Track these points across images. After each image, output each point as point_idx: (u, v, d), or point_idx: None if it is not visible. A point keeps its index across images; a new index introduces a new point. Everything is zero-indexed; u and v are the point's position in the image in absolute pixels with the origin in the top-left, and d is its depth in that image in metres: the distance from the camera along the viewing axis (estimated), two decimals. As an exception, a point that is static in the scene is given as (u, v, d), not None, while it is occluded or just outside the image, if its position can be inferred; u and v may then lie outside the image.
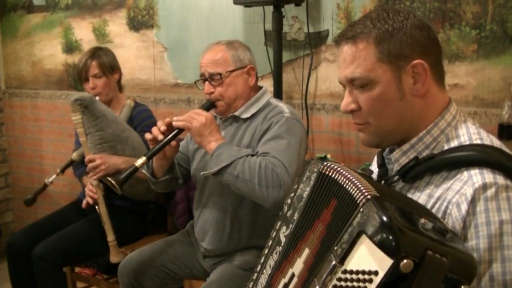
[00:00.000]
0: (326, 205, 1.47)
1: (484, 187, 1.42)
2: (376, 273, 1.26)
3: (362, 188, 1.35)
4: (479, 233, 1.41)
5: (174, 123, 2.68)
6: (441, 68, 1.63)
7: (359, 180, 1.39)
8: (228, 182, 2.60)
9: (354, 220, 1.32)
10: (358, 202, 1.33)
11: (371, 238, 1.25)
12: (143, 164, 2.65)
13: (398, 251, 1.21)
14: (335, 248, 1.35)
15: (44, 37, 4.98)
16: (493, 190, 1.42)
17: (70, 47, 4.83)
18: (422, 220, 1.32)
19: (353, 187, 1.37)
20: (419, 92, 1.57)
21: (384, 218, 1.24)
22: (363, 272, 1.28)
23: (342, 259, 1.33)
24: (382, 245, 1.23)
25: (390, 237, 1.22)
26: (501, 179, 1.44)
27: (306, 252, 1.50)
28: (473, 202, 1.42)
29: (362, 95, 1.62)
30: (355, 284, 1.30)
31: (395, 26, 1.56)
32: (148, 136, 2.70)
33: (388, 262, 1.22)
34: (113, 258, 3.38)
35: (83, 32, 4.73)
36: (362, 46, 1.59)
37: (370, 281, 1.27)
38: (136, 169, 2.65)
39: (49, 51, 4.98)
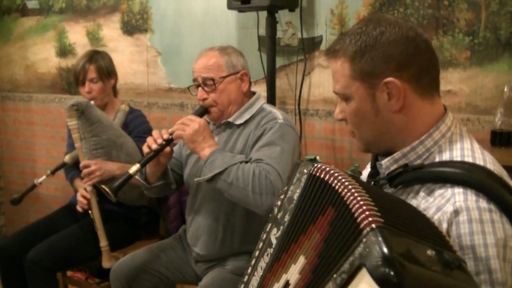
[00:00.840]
0: (322, 212, 1.42)
1: (467, 209, 1.41)
2: None
3: (364, 207, 1.28)
4: (463, 256, 1.39)
5: (168, 135, 2.68)
6: (429, 78, 1.60)
7: (356, 189, 1.34)
8: (222, 189, 2.59)
9: (356, 249, 1.26)
10: (361, 227, 1.26)
11: (371, 274, 1.19)
12: (137, 171, 2.65)
13: None
14: (335, 276, 1.31)
15: (37, 40, 4.98)
16: (476, 213, 1.41)
17: (64, 51, 4.83)
18: (429, 252, 1.26)
19: (353, 201, 1.31)
20: (394, 108, 1.57)
21: (387, 252, 1.18)
22: None
23: None
24: (382, 284, 1.17)
25: (392, 274, 1.16)
26: (483, 203, 1.42)
27: (301, 260, 1.47)
28: (453, 222, 1.42)
29: (346, 107, 1.66)
30: None
31: (368, 42, 1.55)
32: (145, 149, 2.70)
33: None
34: (106, 264, 3.37)
35: (77, 36, 4.72)
36: (339, 62, 1.62)
37: None
38: (130, 176, 2.65)
39: (42, 55, 4.97)
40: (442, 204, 1.46)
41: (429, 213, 1.47)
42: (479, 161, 1.54)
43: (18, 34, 5.10)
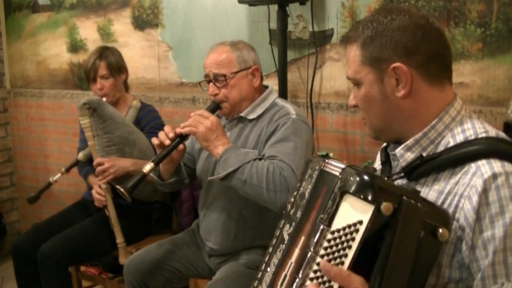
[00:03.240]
0: (319, 195, 1.54)
1: (494, 176, 1.43)
2: (360, 222, 1.37)
3: (340, 164, 1.51)
4: (494, 223, 1.42)
5: (181, 130, 2.68)
6: (438, 65, 1.62)
7: (346, 163, 1.51)
8: (236, 186, 2.59)
9: (335, 188, 1.46)
10: (337, 174, 1.49)
11: (351, 192, 1.40)
12: (151, 170, 2.64)
13: (377, 196, 1.36)
14: (321, 216, 1.46)
15: (48, 36, 4.99)
16: (503, 178, 1.43)
17: (75, 47, 4.84)
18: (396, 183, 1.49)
19: (336, 169, 1.52)
20: (402, 93, 1.60)
21: (361, 173, 1.41)
22: (349, 226, 1.39)
23: (329, 223, 1.44)
24: (361, 193, 1.37)
25: (369, 184, 1.38)
26: (510, 167, 1.45)
27: (302, 239, 1.55)
28: (484, 192, 1.43)
29: (357, 93, 1.70)
30: (343, 238, 1.40)
31: (378, 29, 1.60)
32: (155, 141, 2.70)
33: (369, 208, 1.36)
34: (122, 260, 3.38)
35: (88, 31, 4.73)
36: (353, 48, 1.67)
37: (357, 231, 1.38)
38: (145, 175, 2.65)
39: (53, 51, 4.99)
40: (468, 180, 1.48)
41: (456, 192, 1.50)
42: (492, 134, 1.57)
43: (29, 30, 5.11)
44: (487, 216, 1.42)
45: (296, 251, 1.55)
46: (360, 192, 1.38)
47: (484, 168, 1.45)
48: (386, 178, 1.60)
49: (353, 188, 1.40)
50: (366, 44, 1.62)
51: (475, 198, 1.44)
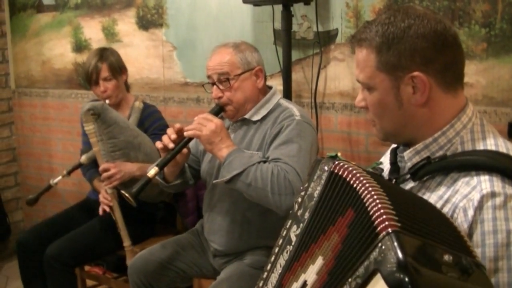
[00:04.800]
0: (342, 214, 1.41)
1: (493, 194, 1.41)
2: None
3: (382, 211, 1.27)
4: (485, 241, 1.40)
5: (185, 133, 2.68)
6: (454, 72, 1.60)
7: (376, 190, 1.32)
8: (241, 189, 2.59)
9: (371, 254, 1.25)
10: (377, 231, 1.25)
11: (385, 279, 1.18)
12: (155, 174, 2.64)
13: None
14: (350, 280, 1.30)
15: (53, 36, 5.00)
16: (501, 198, 1.41)
17: (80, 46, 4.84)
18: (446, 257, 1.24)
19: (372, 203, 1.30)
20: (418, 102, 1.57)
21: (401, 258, 1.17)
22: None
23: None
24: None
25: (406, 280, 1.14)
26: (510, 189, 1.43)
27: (319, 261, 1.46)
28: (480, 208, 1.41)
29: (368, 96, 1.66)
30: None
31: (396, 34, 1.54)
32: (158, 145, 2.70)
33: None
34: (129, 263, 3.38)
35: (93, 31, 4.74)
36: (365, 52, 1.62)
37: None
38: (149, 180, 2.64)
39: (58, 51, 4.99)
40: (467, 192, 1.46)
41: (454, 201, 1.48)
42: (502, 149, 1.54)
43: (34, 30, 5.12)
44: (479, 233, 1.41)
45: (313, 274, 1.45)
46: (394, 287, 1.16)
47: (485, 184, 1.44)
48: (394, 181, 1.58)
49: (388, 275, 1.17)
50: (382, 50, 1.57)
51: (470, 212, 1.43)
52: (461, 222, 1.44)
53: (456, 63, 1.60)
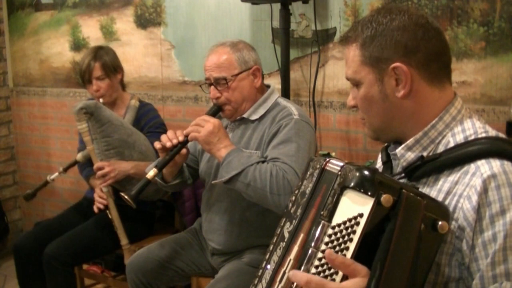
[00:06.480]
0: (319, 193, 1.55)
1: (494, 176, 1.43)
2: (361, 215, 1.39)
3: (339, 162, 1.52)
4: (494, 223, 1.42)
5: (184, 134, 2.69)
6: (439, 65, 1.62)
7: (346, 161, 1.52)
8: (240, 190, 2.59)
9: (334, 184, 1.47)
10: (336, 172, 1.50)
11: (351, 186, 1.41)
12: (154, 176, 2.66)
13: (377, 188, 1.38)
14: (321, 212, 1.46)
15: (51, 35, 4.99)
16: (503, 177, 1.43)
17: (78, 45, 4.84)
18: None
19: (335, 167, 1.53)
20: (401, 93, 1.60)
21: (360, 168, 1.43)
22: (350, 220, 1.41)
23: (330, 218, 1.44)
24: (361, 187, 1.39)
25: (368, 178, 1.39)
26: (509, 165, 1.45)
27: (301, 236, 1.55)
28: (484, 192, 1.43)
29: (356, 93, 1.71)
30: (344, 232, 1.41)
31: (378, 29, 1.60)
32: (157, 145, 2.71)
33: (369, 201, 1.38)
34: (128, 261, 3.38)
35: (91, 30, 4.73)
36: (352, 48, 1.67)
37: (357, 224, 1.39)
38: (148, 181, 2.66)
39: (56, 49, 4.99)
40: (468, 179, 1.48)
41: (455, 192, 1.50)
42: (491, 134, 1.58)
43: (32, 28, 5.12)
44: (488, 216, 1.42)
45: (295, 248, 1.55)
46: (360, 186, 1.40)
47: (484, 168, 1.46)
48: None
49: (353, 182, 1.41)
50: (366, 44, 1.62)
51: (474, 198, 1.44)
52: (467, 209, 1.45)
53: (439, 56, 1.62)
